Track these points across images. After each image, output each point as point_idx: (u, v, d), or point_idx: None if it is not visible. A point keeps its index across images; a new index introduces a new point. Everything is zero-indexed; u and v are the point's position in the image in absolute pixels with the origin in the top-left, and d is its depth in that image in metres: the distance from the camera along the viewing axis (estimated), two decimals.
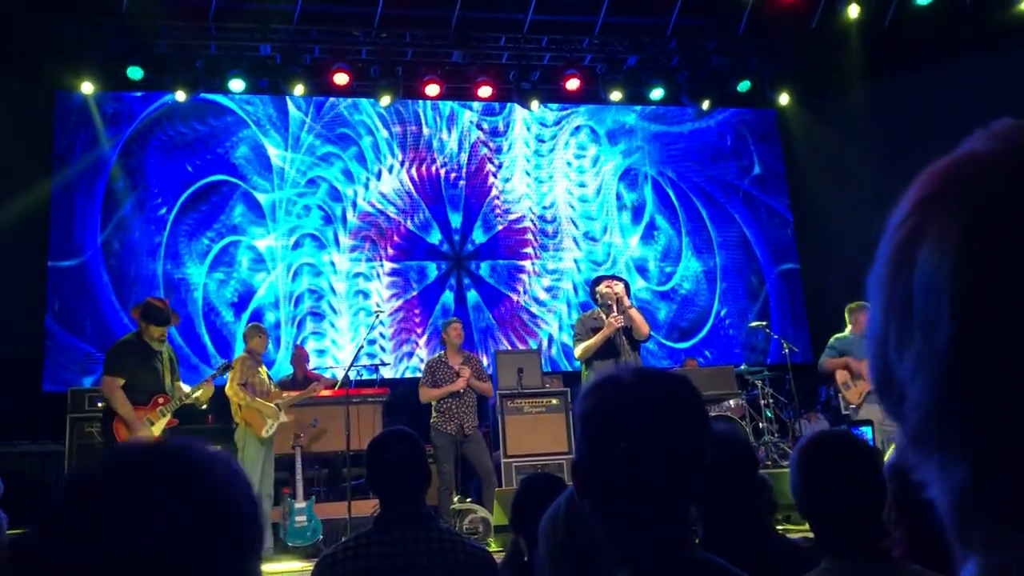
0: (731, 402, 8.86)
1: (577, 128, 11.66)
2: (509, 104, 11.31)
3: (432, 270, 10.87)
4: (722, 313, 11.54)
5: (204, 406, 6.48)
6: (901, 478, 2.17)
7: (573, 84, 10.73)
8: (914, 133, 10.91)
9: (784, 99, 11.39)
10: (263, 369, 7.38)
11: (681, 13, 10.90)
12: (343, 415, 7.21)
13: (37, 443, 8.09)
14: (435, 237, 10.94)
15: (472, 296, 10.89)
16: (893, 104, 11.06)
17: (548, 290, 11.13)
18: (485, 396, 7.87)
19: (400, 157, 11.02)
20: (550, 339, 10.97)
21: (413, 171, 11.03)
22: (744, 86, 11.18)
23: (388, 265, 10.73)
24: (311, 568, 2.67)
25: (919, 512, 2.25)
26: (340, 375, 8.22)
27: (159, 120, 10.37)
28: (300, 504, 7.00)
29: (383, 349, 10.37)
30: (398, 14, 10.34)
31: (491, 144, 11.34)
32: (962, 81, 10.62)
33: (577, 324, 7.06)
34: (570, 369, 10.07)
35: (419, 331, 10.61)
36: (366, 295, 10.56)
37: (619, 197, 11.59)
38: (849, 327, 7.70)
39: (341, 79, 10.09)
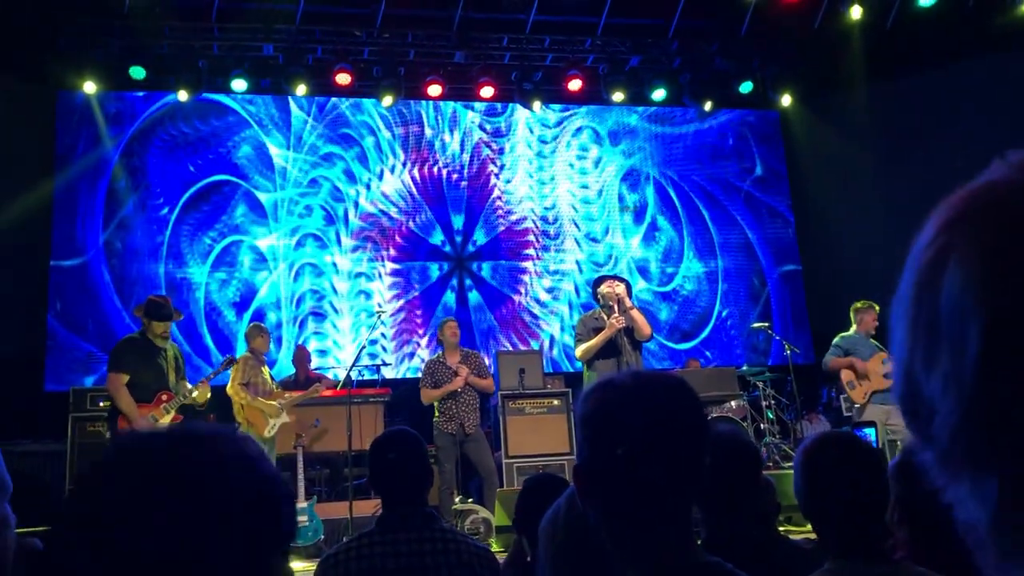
0: (732, 403, 8.86)
1: (579, 129, 11.66)
2: (511, 105, 11.31)
3: (434, 271, 10.87)
4: (723, 314, 11.53)
5: (202, 407, 6.48)
6: (904, 479, 2.17)
7: (575, 85, 10.74)
8: (916, 134, 10.92)
9: (786, 100, 11.39)
10: (265, 369, 7.39)
11: (683, 14, 10.90)
12: (345, 415, 7.21)
13: (39, 443, 8.09)
14: (437, 238, 10.94)
15: (474, 297, 10.90)
16: (895, 105, 11.06)
17: (550, 291, 11.13)
18: (487, 393, 7.85)
19: (402, 157, 11.03)
20: (551, 340, 10.97)
21: (415, 171, 11.03)
22: (746, 87, 11.18)
23: (390, 265, 10.74)
24: (313, 568, 2.67)
25: (922, 513, 2.25)
26: (342, 375, 8.22)
27: (161, 120, 10.38)
28: (301, 504, 7.00)
29: (385, 349, 10.37)
30: (400, 14, 10.34)
31: (493, 145, 11.35)
32: (964, 83, 10.63)
33: (578, 324, 7.05)
34: (572, 370, 10.06)
35: (421, 332, 10.61)
36: (368, 295, 10.57)
37: (621, 198, 11.59)
38: (854, 326, 7.68)
39: (343, 79, 10.09)
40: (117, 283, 9.91)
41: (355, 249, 10.67)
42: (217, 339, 10.01)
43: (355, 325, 10.44)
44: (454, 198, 11.09)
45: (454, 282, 10.90)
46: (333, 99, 10.87)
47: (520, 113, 11.39)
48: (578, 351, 6.84)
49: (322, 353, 10.17)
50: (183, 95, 9.97)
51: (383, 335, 10.40)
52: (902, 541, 2.14)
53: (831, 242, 11.32)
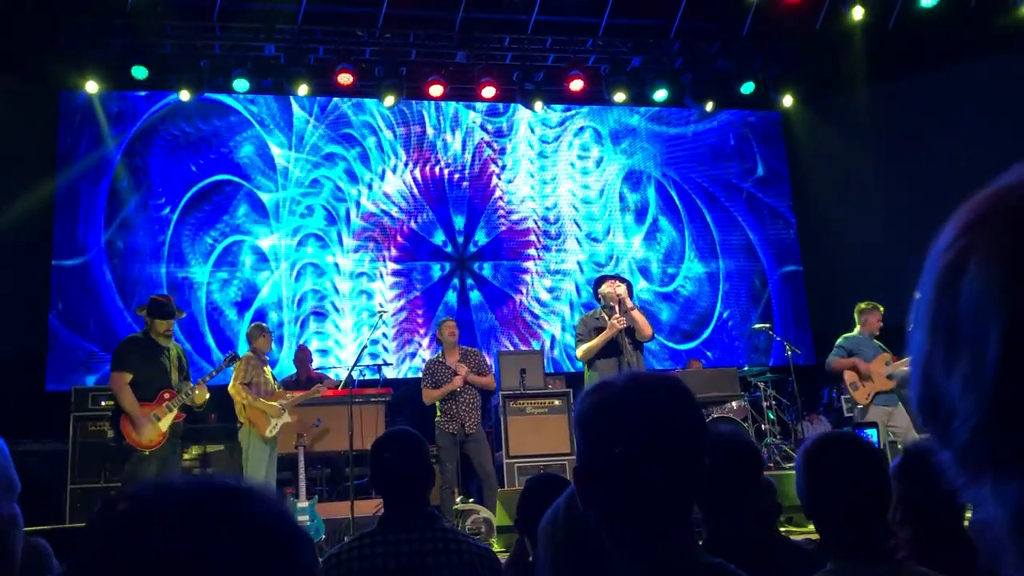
0: (734, 404, 8.86)
1: (581, 129, 11.66)
2: (513, 105, 11.31)
3: (435, 271, 10.88)
4: (725, 315, 11.53)
5: (200, 407, 6.49)
6: (906, 480, 2.17)
7: (577, 85, 10.74)
8: (917, 135, 10.92)
9: (788, 101, 11.39)
10: (267, 369, 7.40)
11: (685, 14, 10.90)
12: (346, 415, 7.21)
13: (40, 442, 8.09)
14: (439, 238, 10.95)
15: (475, 297, 10.90)
16: (897, 106, 11.06)
17: (551, 291, 11.13)
18: (488, 390, 7.84)
19: (404, 158, 11.03)
20: (553, 340, 10.97)
21: (417, 172, 11.04)
22: (748, 88, 11.18)
23: (391, 265, 10.74)
24: None
25: (924, 514, 2.25)
26: (343, 375, 8.22)
27: (163, 119, 10.39)
28: (303, 504, 7.01)
29: (386, 349, 10.38)
30: (402, 14, 10.35)
31: (495, 145, 11.35)
32: (966, 84, 10.63)
33: (579, 324, 7.05)
34: (573, 370, 10.06)
35: (422, 331, 10.61)
36: (369, 295, 10.57)
37: (622, 198, 11.60)
38: (858, 327, 7.66)
39: (345, 79, 10.09)
40: (119, 283, 9.92)
41: (357, 249, 10.68)
42: (219, 339, 10.01)
43: (356, 325, 10.45)
44: (455, 198, 11.09)
45: (455, 282, 10.91)
46: (335, 99, 10.88)
47: (522, 113, 11.40)
48: (579, 351, 6.83)
49: (323, 353, 10.17)
50: (185, 95, 9.97)
51: (384, 335, 10.40)
52: (904, 541, 2.15)
53: (832, 243, 11.32)
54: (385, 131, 11.02)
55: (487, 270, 11.02)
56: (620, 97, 10.82)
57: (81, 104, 10.09)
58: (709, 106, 11.33)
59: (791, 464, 8.08)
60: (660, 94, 10.94)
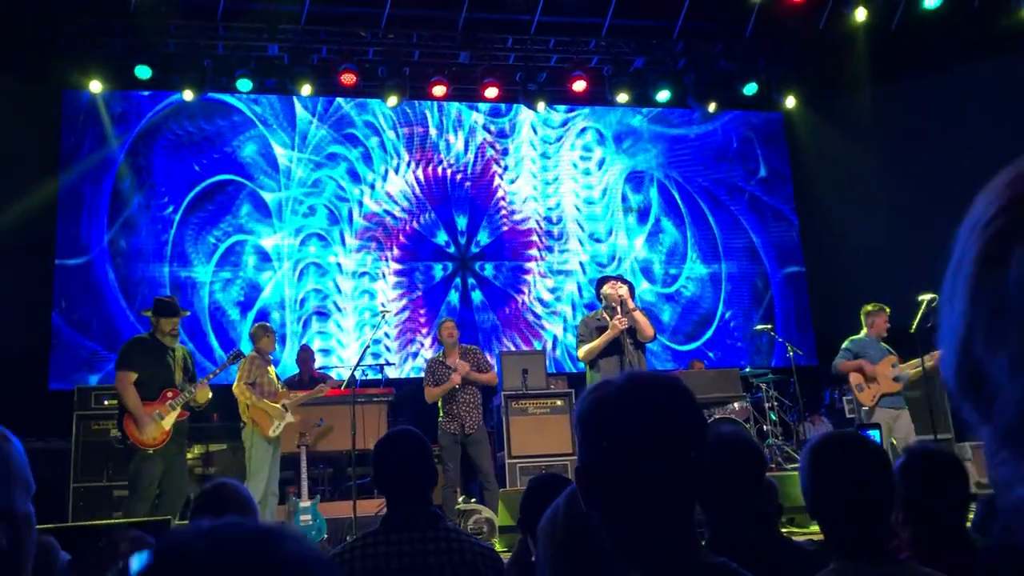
0: (736, 404, 8.87)
1: (583, 130, 11.67)
2: (515, 105, 11.32)
3: (438, 271, 10.88)
4: (727, 315, 11.53)
5: (201, 407, 6.50)
6: (909, 480, 2.17)
7: (580, 86, 10.75)
8: (920, 136, 10.91)
9: (790, 102, 11.38)
10: (271, 368, 7.40)
11: (688, 15, 10.91)
12: (348, 414, 7.21)
13: (43, 441, 8.10)
14: (441, 238, 10.96)
15: (477, 297, 10.91)
16: (900, 107, 11.06)
17: (553, 291, 11.14)
18: (491, 386, 7.83)
19: (406, 158, 11.04)
20: (555, 340, 10.97)
21: (419, 172, 11.05)
22: (750, 88, 11.18)
23: (394, 265, 10.75)
24: None
25: (926, 514, 2.25)
26: (345, 375, 8.23)
27: (166, 119, 10.41)
28: (305, 503, 7.02)
29: (388, 349, 10.39)
30: (405, 15, 10.36)
31: (497, 146, 11.36)
32: (968, 85, 10.62)
33: (580, 325, 7.05)
34: (575, 370, 10.06)
35: (424, 331, 10.62)
36: (372, 295, 10.58)
37: (625, 199, 11.60)
38: (865, 329, 7.63)
39: (348, 79, 10.10)
40: (121, 282, 9.93)
41: (359, 249, 10.69)
42: (221, 338, 10.03)
43: (359, 325, 10.46)
44: (458, 198, 11.10)
45: (457, 282, 10.91)
46: (338, 99, 10.89)
47: (524, 114, 11.40)
48: (580, 352, 6.83)
49: (325, 352, 10.18)
50: (188, 95, 9.98)
51: (387, 335, 10.41)
52: (907, 541, 2.15)
53: (835, 244, 11.32)
54: (388, 131, 11.03)
55: (489, 270, 11.02)
56: (623, 98, 10.82)
57: (85, 104, 10.11)
58: (712, 107, 11.33)
59: (793, 465, 8.09)
60: (663, 95, 10.94)
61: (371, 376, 8.96)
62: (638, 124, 11.81)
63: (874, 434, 5.93)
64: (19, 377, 8.81)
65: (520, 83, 10.77)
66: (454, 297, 10.85)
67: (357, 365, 7.78)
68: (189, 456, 7.51)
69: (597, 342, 6.62)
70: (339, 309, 10.50)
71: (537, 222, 11.28)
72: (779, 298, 11.72)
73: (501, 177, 11.29)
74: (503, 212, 11.20)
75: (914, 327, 7.35)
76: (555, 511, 1.59)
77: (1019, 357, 0.52)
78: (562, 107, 11.55)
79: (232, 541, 0.67)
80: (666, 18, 11.03)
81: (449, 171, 11.14)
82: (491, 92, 10.64)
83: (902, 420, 7.33)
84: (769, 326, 10.26)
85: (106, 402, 7.64)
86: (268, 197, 10.54)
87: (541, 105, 10.97)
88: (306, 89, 10.13)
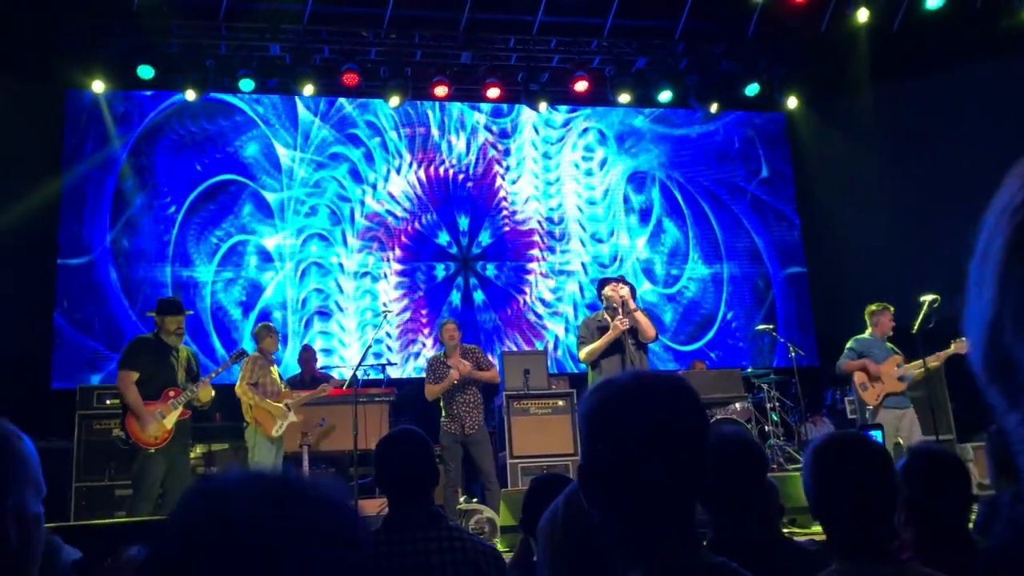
0: (737, 405, 8.87)
1: (585, 130, 11.67)
2: (517, 106, 11.32)
3: (439, 271, 10.89)
4: (728, 316, 11.53)
5: (203, 405, 6.51)
6: (912, 481, 2.17)
7: (581, 86, 10.74)
8: (922, 137, 10.91)
9: (792, 102, 11.38)
10: (274, 369, 7.41)
11: (690, 16, 10.91)
12: (350, 414, 7.21)
13: (45, 440, 8.10)
14: (443, 238, 10.96)
15: (479, 297, 10.91)
16: (901, 108, 11.05)
17: (554, 291, 11.14)
18: (493, 383, 7.83)
19: (408, 158, 11.05)
20: (556, 340, 10.98)
21: (421, 172, 11.05)
22: (752, 89, 11.17)
23: (396, 265, 10.76)
24: None
25: (928, 515, 2.26)
26: (347, 374, 8.23)
27: (169, 119, 10.42)
28: None
29: (390, 349, 10.39)
30: (407, 15, 10.37)
31: (499, 146, 11.36)
32: (970, 85, 10.61)
33: (581, 327, 7.04)
34: (576, 371, 10.06)
35: (426, 332, 10.63)
36: (374, 295, 10.59)
37: (626, 199, 11.60)
38: (870, 329, 7.62)
39: (350, 79, 10.11)
40: (124, 282, 9.94)
41: (361, 249, 10.70)
42: (223, 338, 10.04)
43: (361, 325, 10.46)
44: (460, 198, 11.11)
45: (459, 282, 10.92)
46: (340, 99, 10.90)
47: (526, 114, 11.40)
48: (581, 353, 6.82)
49: (327, 352, 10.18)
50: (191, 94, 9.99)
51: (388, 335, 10.42)
52: (909, 542, 2.15)
53: (837, 244, 11.31)
54: (390, 131, 11.04)
55: (491, 270, 11.03)
56: (625, 98, 10.82)
57: (87, 103, 10.12)
58: (714, 107, 11.32)
59: (794, 466, 8.08)
60: (665, 95, 10.94)
61: (373, 376, 8.96)
62: (640, 124, 11.81)
63: (876, 435, 5.93)
64: (21, 376, 8.82)
65: (522, 83, 10.77)
66: (456, 297, 10.86)
67: (359, 365, 7.79)
68: (192, 456, 7.52)
69: (599, 343, 6.62)
70: (341, 309, 10.51)
71: (539, 222, 11.28)
72: (781, 298, 11.72)
73: (503, 177, 11.29)
74: (505, 212, 11.21)
75: (915, 327, 7.35)
76: (554, 511, 1.59)
77: None
78: (564, 107, 11.55)
79: (263, 476, 0.79)
80: (668, 19, 11.03)
81: (451, 171, 11.15)
82: (493, 92, 10.64)
83: (908, 420, 7.32)
84: (771, 326, 10.26)
85: (108, 402, 7.64)
86: (270, 197, 10.55)
87: (543, 105, 10.97)
88: (308, 89, 10.14)
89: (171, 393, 6.20)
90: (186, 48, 10.02)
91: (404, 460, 2.65)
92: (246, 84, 9.96)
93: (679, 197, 11.72)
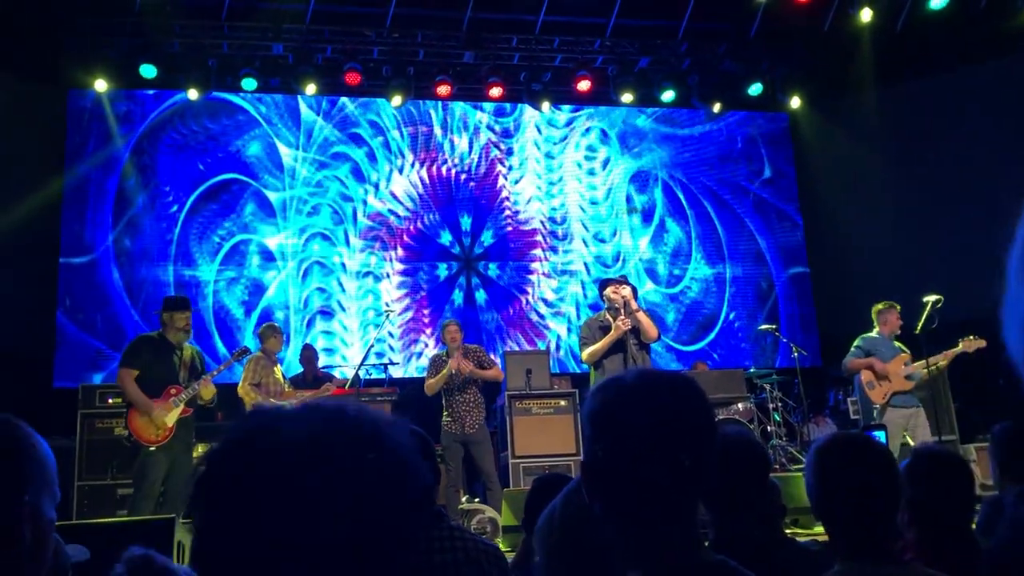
0: (739, 405, 8.86)
1: (587, 130, 11.66)
2: (520, 105, 11.32)
3: (442, 270, 10.89)
4: (731, 316, 11.52)
5: (206, 403, 6.50)
6: (915, 482, 2.17)
7: (584, 86, 10.73)
8: (925, 137, 10.90)
9: (795, 102, 11.36)
10: (278, 368, 7.41)
11: (693, 15, 10.89)
12: None
13: (48, 439, 8.07)
14: (445, 238, 10.96)
15: (481, 297, 10.91)
16: (904, 108, 11.04)
17: (557, 291, 11.14)
18: (496, 383, 7.82)
19: (411, 158, 11.05)
20: (558, 340, 10.97)
21: (424, 172, 11.05)
22: (755, 89, 11.16)
23: (398, 265, 10.76)
24: None
25: (931, 515, 2.25)
26: (350, 374, 8.23)
27: (171, 118, 10.42)
28: None
29: (392, 348, 10.39)
30: (410, 14, 10.37)
31: (502, 146, 11.36)
32: (972, 86, 10.61)
33: (583, 327, 7.03)
34: (578, 371, 10.05)
35: (428, 331, 10.62)
36: (376, 295, 10.59)
37: (629, 199, 11.59)
38: (877, 327, 7.58)
39: (353, 79, 10.11)
40: (126, 281, 9.95)
41: (363, 248, 10.70)
42: (225, 338, 10.04)
43: (363, 324, 10.46)
44: (462, 198, 11.11)
45: (462, 282, 10.92)
46: (342, 98, 10.91)
47: (529, 113, 11.40)
48: (584, 354, 6.80)
49: (329, 352, 10.18)
50: (193, 94, 10.00)
51: (390, 334, 10.42)
52: (912, 542, 2.15)
53: (840, 245, 11.30)
54: (392, 131, 11.04)
55: (493, 270, 11.02)
56: (627, 98, 10.82)
57: (90, 103, 10.13)
58: (716, 107, 11.31)
59: (797, 466, 8.07)
60: (667, 95, 10.94)
61: (375, 375, 8.96)
62: (642, 124, 11.80)
63: (879, 435, 5.93)
64: (23, 375, 8.83)
65: (524, 83, 10.77)
66: (458, 297, 10.86)
67: (361, 364, 7.80)
68: (195, 455, 7.52)
69: (601, 344, 6.60)
70: (343, 309, 10.51)
71: (541, 222, 11.28)
72: (783, 299, 11.71)
73: (505, 177, 11.29)
74: (507, 212, 11.21)
75: (919, 328, 7.32)
76: (552, 512, 1.59)
77: None
78: (566, 107, 11.55)
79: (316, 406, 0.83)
80: (671, 18, 11.02)
81: (453, 171, 11.15)
82: (495, 92, 10.64)
83: (918, 418, 7.27)
84: (773, 327, 10.25)
85: (110, 400, 7.64)
86: (272, 196, 10.55)
87: (545, 105, 10.97)
88: (310, 88, 10.15)
89: (172, 391, 6.20)
90: (188, 47, 10.03)
91: None
92: (248, 83, 9.97)
93: (682, 197, 11.71)
